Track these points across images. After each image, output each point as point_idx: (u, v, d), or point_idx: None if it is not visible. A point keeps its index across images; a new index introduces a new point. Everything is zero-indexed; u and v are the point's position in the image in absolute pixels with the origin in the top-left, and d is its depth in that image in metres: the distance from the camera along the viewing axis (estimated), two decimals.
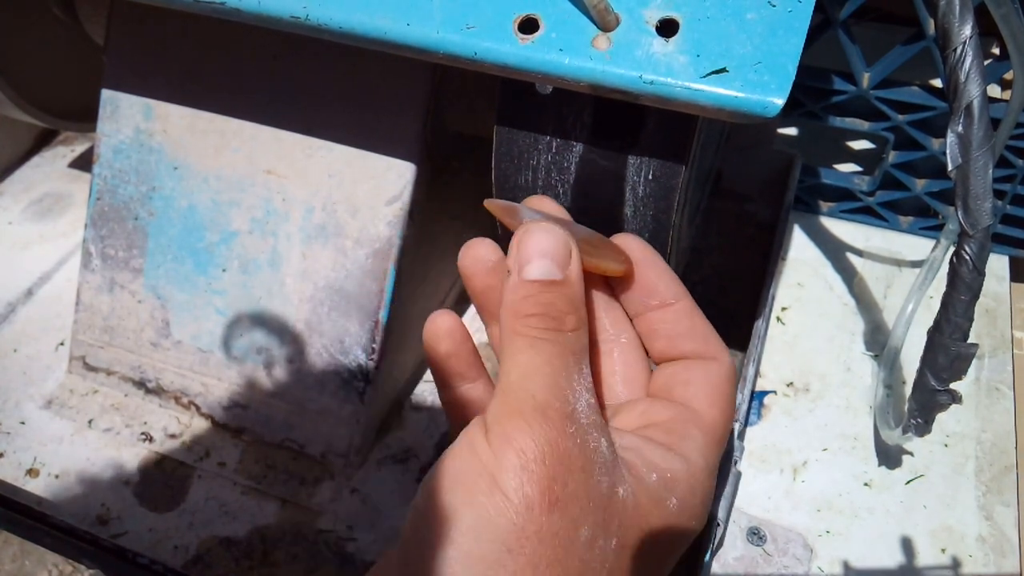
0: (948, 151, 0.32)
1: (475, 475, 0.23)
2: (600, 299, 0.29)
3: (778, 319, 0.54)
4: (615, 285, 0.29)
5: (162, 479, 0.47)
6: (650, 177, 0.34)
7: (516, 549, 0.22)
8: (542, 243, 0.26)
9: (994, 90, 0.59)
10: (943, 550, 0.43)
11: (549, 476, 0.22)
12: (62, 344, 0.55)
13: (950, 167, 0.32)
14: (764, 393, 0.50)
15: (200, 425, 0.49)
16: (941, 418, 0.40)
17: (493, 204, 0.29)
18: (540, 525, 0.22)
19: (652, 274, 0.29)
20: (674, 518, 0.25)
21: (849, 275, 0.57)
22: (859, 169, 0.62)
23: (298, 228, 0.46)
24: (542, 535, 0.22)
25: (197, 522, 0.45)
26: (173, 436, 0.48)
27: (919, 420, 0.40)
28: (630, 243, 0.29)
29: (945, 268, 0.35)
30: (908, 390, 0.40)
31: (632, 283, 0.29)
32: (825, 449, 0.47)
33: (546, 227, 0.26)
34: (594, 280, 0.29)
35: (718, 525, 0.41)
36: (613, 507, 0.23)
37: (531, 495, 0.22)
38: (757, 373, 0.50)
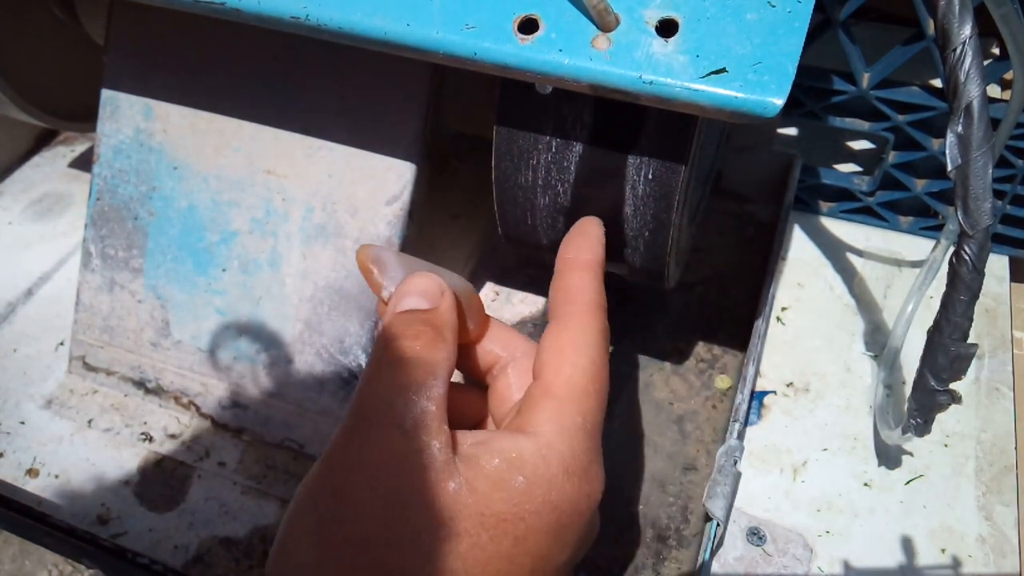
0: (948, 151, 0.32)
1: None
2: (494, 326, 0.33)
3: (778, 319, 0.54)
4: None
5: (162, 479, 0.47)
6: (650, 177, 0.34)
7: (325, 549, 0.25)
8: (420, 285, 0.29)
9: (994, 90, 0.59)
10: (943, 550, 0.43)
11: (358, 480, 0.25)
12: (62, 344, 0.55)
13: (950, 167, 0.32)
14: (764, 393, 0.50)
15: (200, 425, 0.49)
16: (941, 418, 0.40)
17: (364, 254, 0.31)
18: (354, 527, 0.24)
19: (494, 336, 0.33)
20: (525, 494, 0.26)
21: (849, 275, 0.57)
22: (859, 169, 0.62)
23: (298, 228, 0.46)
24: (357, 537, 0.24)
25: (197, 522, 0.45)
26: (173, 436, 0.48)
27: (919, 420, 0.40)
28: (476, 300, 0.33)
29: (945, 268, 0.35)
30: (908, 390, 0.40)
31: (479, 341, 0.33)
32: (825, 449, 0.47)
33: (427, 274, 0.30)
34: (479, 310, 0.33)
35: (718, 525, 0.41)
36: (440, 500, 0.25)
37: (324, 496, 0.25)
38: (757, 373, 0.50)
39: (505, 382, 0.32)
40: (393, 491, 0.25)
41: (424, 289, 0.29)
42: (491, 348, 0.33)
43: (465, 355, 0.33)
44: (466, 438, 0.28)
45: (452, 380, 0.32)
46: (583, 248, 0.34)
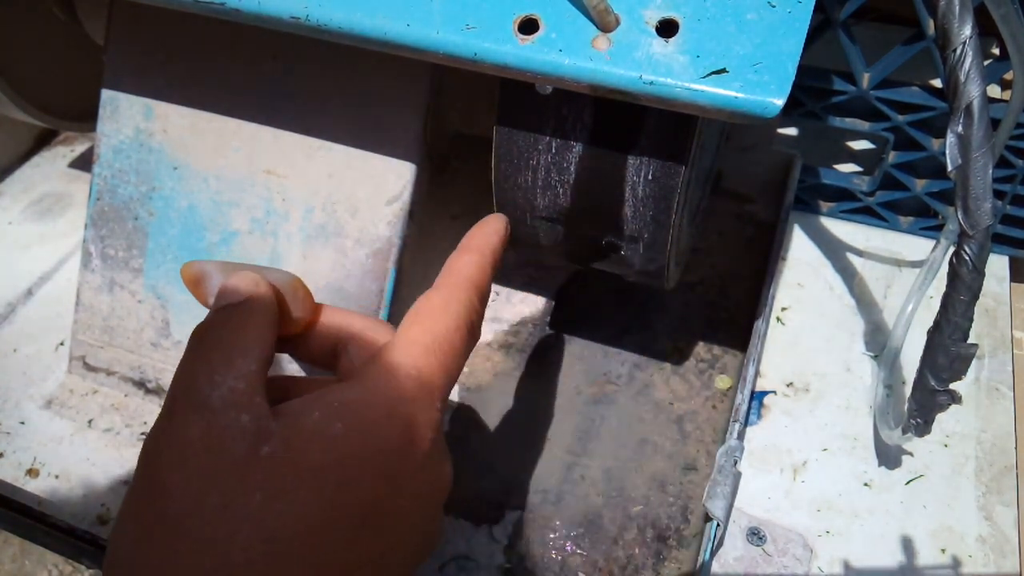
0: (948, 151, 0.32)
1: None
2: (330, 310, 0.34)
3: (778, 319, 0.54)
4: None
5: None
6: (650, 177, 0.34)
7: (142, 531, 0.25)
8: (234, 282, 0.30)
9: (994, 90, 0.59)
10: (943, 550, 0.43)
11: (168, 462, 0.26)
12: (62, 344, 0.55)
13: (950, 167, 0.32)
14: (764, 393, 0.50)
15: None
16: (941, 418, 0.40)
17: (187, 271, 0.31)
18: (165, 505, 0.25)
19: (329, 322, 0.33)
20: (343, 439, 0.26)
21: (849, 275, 0.57)
22: (859, 169, 0.62)
23: (298, 228, 0.46)
24: (169, 514, 0.25)
25: None
26: None
27: (919, 420, 0.40)
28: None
29: (945, 268, 0.35)
30: (908, 390, 0.40)
31: (313, 328, 0.33)
32: (825, 449, 0.47)
33: (242, 271, 0.30)
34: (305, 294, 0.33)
35: (718, 525, 0.41)
36: (252, 466, 0.25)
37: (147, 478, 0.26)
38: (757, 373, 0.50)
39: (347, 357, 0.32)
40: (201, 466, 0.25)
41: (237, 285, 0.30)
42: (329, 330, 0.33)
43: (303, 344, 0.33)
44: (295, 402, 0.28)
45: (302, 376, 0.33)
46: (475, 235, 0.36)
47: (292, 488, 0.25)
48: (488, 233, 0.36)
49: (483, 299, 0.34)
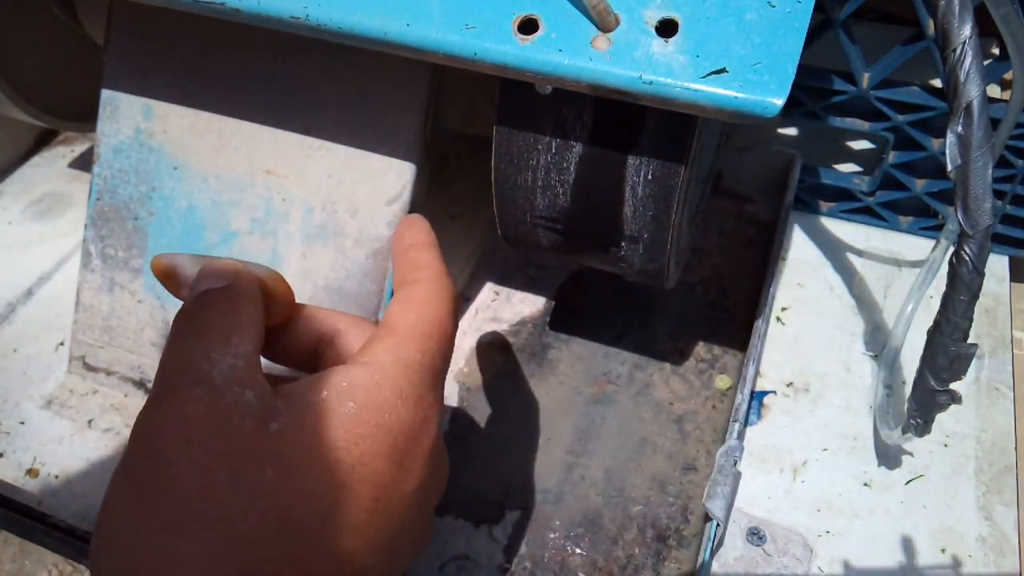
0: (948, 151, 0.32)
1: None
2: (310, 308, 0.33)
3: (778, 319, 0.54)
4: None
5: None
6: (650, 177, 0.34)
7: (142, 511, 0.24)
8: (212, 269, 0.29)
9: (994, 90, 0.59)
10: (943, 550, 0.43)
11: (171, 438, 0.25)
12: (62, 344, 0.55)
13: (950, 167, 0.32)
14: (764, 393, 0.50)
15: None
16: (941, 418, 0.40)
17: (158, 263, 0.31)
18: (170, 482, 0.24)
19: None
20: (355, 419, 0.26)
21: (849, 275, 0.57)
22: (859, 169, 0.62)
23: (298, 228, 0.46)
24: (174, 492, 0.24)
25: None
26: None
27: (919, 420, 0.40)
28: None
29: (945, 268, 0.35)
30: (908, 390, 0.40)
31: (292, 324, 0.33)
32: (825, 449, 0.47)
33: (220, 260, 0.30)
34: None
35: (718, 525, 0.41)
36: (261, 442, 0.25)
37: (142, 455, 0.25)
38: (757, 373, 0.50)
39: (333, 352, 0.32)
40: (208, 442, 0.24)
41: (217, 271, 0.29)
42: (310, 327, 0.32)
43: (280, 342, 0.32)
44: (296, 384, 0.27)
45: (286, 375, 0.33)
46: (415, 232, 0.36)
47: (306, 465, 0.25)
48: (424, 228, 0.36)
49: (453, 284, 0.34)
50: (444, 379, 0.31)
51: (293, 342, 0.32)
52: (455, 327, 0.32)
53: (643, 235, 0.37)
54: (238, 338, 0.27)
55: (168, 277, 0.30)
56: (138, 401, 0.50)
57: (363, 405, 0.26)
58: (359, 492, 0.25)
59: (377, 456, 0.26)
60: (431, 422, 0.28)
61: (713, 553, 0.42)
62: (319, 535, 0.24)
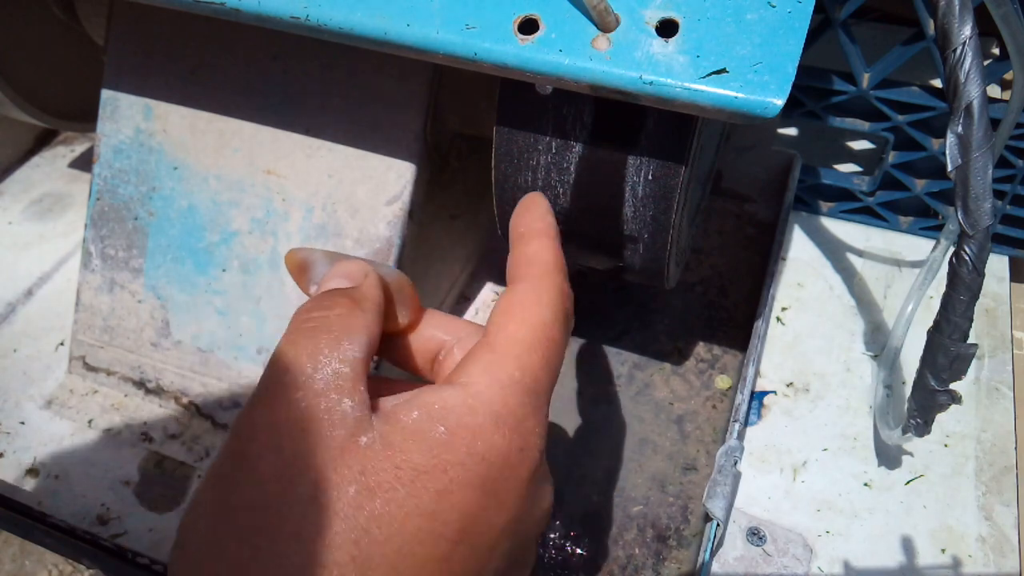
0: (948, 151, 0.32)
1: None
2: (435, 314, 0.33)
3: (778, 319, 0.54)
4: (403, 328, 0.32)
5: (162, 479, 0.47)
6: (650, 177, 0.34)
7: (221, 516, 0.24)
8: (342, 269, 0.29)
9: (994, 90, 0.59)
10: (943, 550, 0.43)
11: (261, 443, 0.24)
12: (62, 344, 0.55)
13: (950, 167, 0.32)
14: (764, 393, 0.50)
15: (200, 425, 0.49)
16: (941, 418, 0.40)
17: (292, 257, 0.31)
18: (253, 489, 0.24)
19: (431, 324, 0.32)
20: (446, 444, 0.24)
21: (849, 275, 0.57)
22: (859, 169, 0.62)
23: (298, 228, 0.46)
24: (256, 499, 0.23)
25: None
26: (173, 436, 0.48)
27: (919, 420, 0.40)
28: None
29: (945, 268, 0.35)
30: (908, 390, 0.40)
31: (414, 330, 0.32)
32: (825, 449, 0.47)
33: (351, 260, 0.30)
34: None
35: (718, 525, 0.41)
36: (349, 455, 0.24)
37: (232, 455, 0.25)
38: (757, 373, 0.50)
39: (451, 362, 0.31)
40: (296, 450, 0.23)
41: (346, 272, 0.29)
42: (433, 334, 0.31)
43: (401, 346, 0.32)
44: (391, 400, 0.26)
45: (396, 379, 0.32)
46: (534, 218, 0.33)
47: (389, 487, 0.23)
48: (543, 213, 0.33)
49: (568, 283, 0.31)
50: (549, 396, 0.28)
51: (414, 348, 0.32)
52: (563, 334, 0.29)
53: (643, 235, 0.37)
54: (350, 343, 0.26)
55: (300, 271, 0.30)
56: (138, 401, 0.50)
57: (454, 430, 0.25)
58: (444, 521, 0.24)
59: (466, 485, 0.24)
60: (532, 449, 0.26)
61: (713, 553, 0.42)
62: (396, 562, 0.23)
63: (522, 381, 0.27)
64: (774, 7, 0.28)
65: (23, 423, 0.50)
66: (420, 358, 0.32)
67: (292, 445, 0.24)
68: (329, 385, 0.25)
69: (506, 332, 0.28)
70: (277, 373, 0.25)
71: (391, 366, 0.33)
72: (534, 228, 0.32)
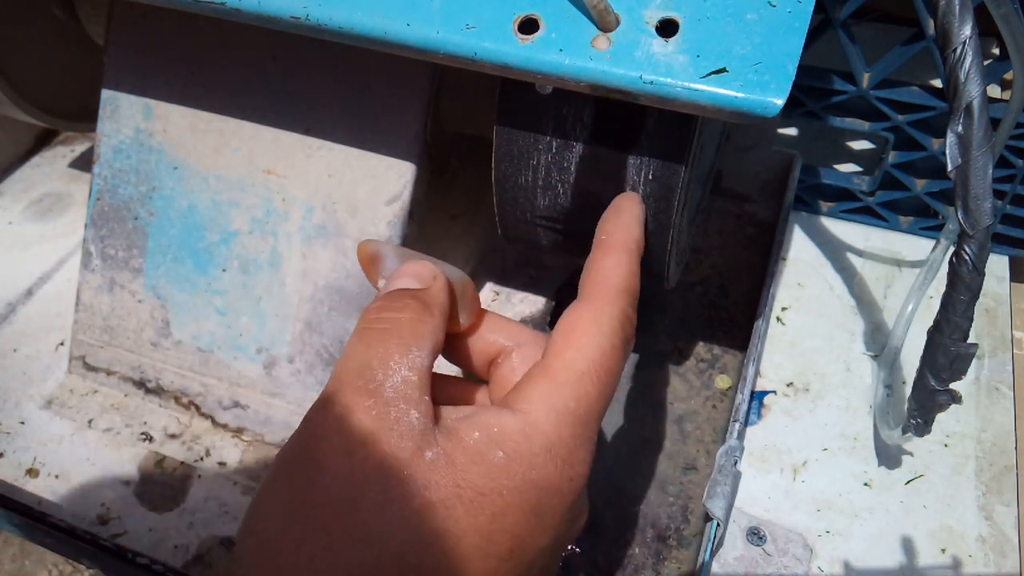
0: (948, 151, 0.32)
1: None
2: (495, 317, 0.33)
3: (778, 319, 0.54)
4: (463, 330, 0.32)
5: (162, 479, 0.47)
6: (650, 177, 0.34)
7: (292, 514, 0.24)
8: (412, 268, 0.30)
9: (994, 90, 0.59)
10: (943, 550, 0.43)
11: (333, 445, 0.25)
12: (62, 344, 0.55)
13: (950, 167, 0.32)
14: (764, 393, 0.50)
15: (200, 425, 0.49)
16: (941, 418, 0.40)
17: (364, 248, 0.31)
18: (323, 490, 0.24)
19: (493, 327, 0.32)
20: (504, 470, 0.25)
21: (849, 275, 0.57)
22: (859, 169, 0.62)
23: (298, 228, 0.46)
24: (325, 501, 0.24)
25: (197, 522, 0.45)
26: (173, 436, 0.48)
27: (919, 420, 0.40)
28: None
29: (945, 268, 0.35)
30: (908, 390, 0.40)
31: (475, 332, 0.32)
32: (825, 449, 0.47)
33: (421, 260, 0.30)
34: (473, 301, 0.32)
35: (718, 525, 0.41)
36: (415, 468, 0.24)
37: (297, 458, 0.25)
38: (757, 373, 0.50)
39: (509, 367, 0.31)
40: (366, 457, 0.24)
41: (416, 272, 0.29)
42: (493, 338, 0.32)
43: (461, 347, 0.32)
44: (450, 412, 0.27)
45: (451, 375, 0.32)
46: (618, 227, 0.32)
47: (451, 504, 0.24)
48: (629, 223, 0.33)
49: (635, 306, 0.31)
50: (600, 423, 0.29)
51: (473, 350, 0.32)
52: (620, 362, 0.29)
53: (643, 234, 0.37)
54: (419, 349, 0.27)
55: (371, 263, 0.31)
56: (138, 401, 0.50)
57: (511, 456, 0.26)
58: (496, 541, 0.25)
59: (519, 510, 0.26)
60: (579, 479, 0.27)
61: (713, 553, 0.42)
62: (450, 573, 0.24)
63: (576, 412, 0.27)
64: (774, 7, 0.28)
65: (23, 423, 0.50)
66: (478, 360, 0.32)
67: (363, 451, 0.24)
68: (398, 394, 0.26)
69: (564, 359, 0.28)
70: (348, 376, 0.26)
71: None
72: (616, 239, 0.32)
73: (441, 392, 0.28)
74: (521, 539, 0.26)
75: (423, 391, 0.26)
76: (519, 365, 0.31)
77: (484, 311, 0.33)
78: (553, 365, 0.28)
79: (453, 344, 0.32)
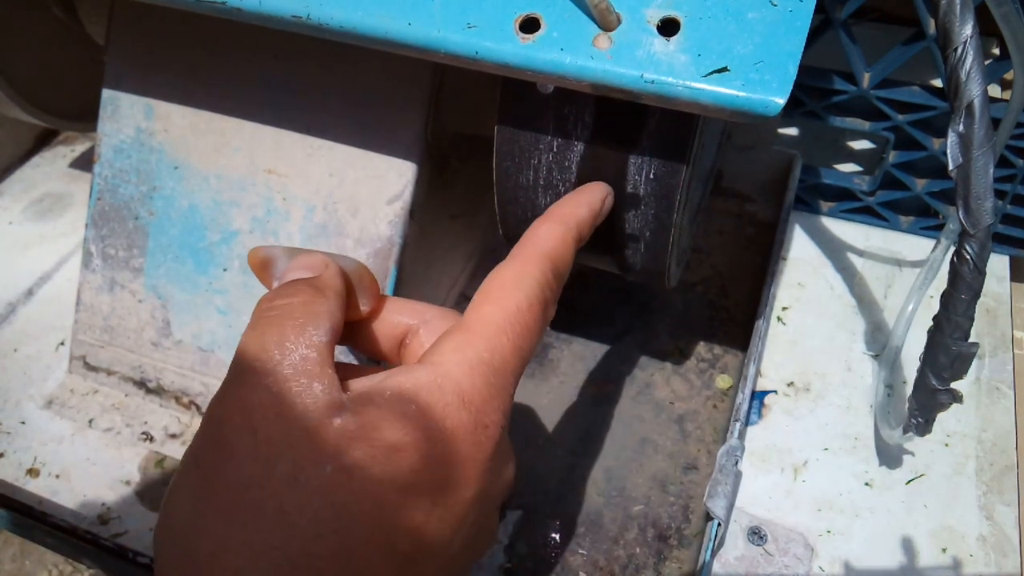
0: (948, 151, 0.32)
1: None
2: (397, 300, 0.33)
3: (778, 319, 0.54)
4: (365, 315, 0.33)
5: (162, 479, 0.47)
6: (651, 176, 0.34)
7: (204, 498, 0.24)
8: (303, 261, 0.30)
9: (994, 90, 0.59)
10: (944, 550, 0.43)
11: (236, 426, 0.25)
12: (62, 344, 0.55)
13: (951, 167, 0.32)
14: (764, 393, 0.50)
15: None
16: (942, 418, 0.40)
17: (255, 255, 0.31)
18: (232, 471, 0.24)
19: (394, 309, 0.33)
20: (416, 421, 0.26)
21: (849, 275, 0.57)
22: (859, 169, 0.62)
23: (299, 228, 0.46)
24: (235, 480, 0.24)
25: None
26: (173, 436, 0.48)
27: (920, 420, 0.40)
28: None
29: (946, 268, 0.35)
30: (909, 390, 0.40)
31: (377, 316, 0.32)
32: (826, 449, 0.47)
33: (311, 252, 0.31)
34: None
35: (719, 525, 0.41)
36: (324, 436, 0.24)
37: (209, 444, 0.25)
38: (758, 373, 0.50)
39: (418, 343, 0.31)
40: (271, 432, 0.24)
41: (307, 263, 0.30)
42: (398, 319, 0.32)
43: (366, 332, 0.32)
44: (363, 381, 0.27)
45: (360, 366, 0.32)
46: (566, 203, 0.33)
47: (366, 465, 0.24)
48: (578, 203, 0.33)
49: (559, 275, 0.31)
50: (517, 379, 0.29)
51: (378, 334, 0.32)
52: (538, 321, 0.30)
53: (644, 234, 0.37)
54: (315, 328, 0.27)
55: (263, 268, 0.31)
56: (138, 401, 0.50)
57: (424, 409, 0.26)
58: (417, 494, 0.25)
59: (436, 461, 0.26)
60: (494, 427, 0.27)
61: (714, 553, 0.42)
62: (373, 535, 0.24)
63: (490, 363, 0.28)
64: (775, 6, 0.28)
65: (23, 423, 0.50)
66: (385, 344, 0.32)
67: (267, 427, 0.24)
68: (298, 370, 0.26)
69: (480, 313, 0.29)
70: (245, 362, 0.26)
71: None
72: (556, 211, 0.33)
73: (354, 377, 0.28)
74: (443, 491, 0.26)
75: (325, 366, 0.26)
76: (428, 340, 0.31)
77: (386, 296, 0.33)
78: (469, 319, 0.29)
79: (358, 331, 0.32)
